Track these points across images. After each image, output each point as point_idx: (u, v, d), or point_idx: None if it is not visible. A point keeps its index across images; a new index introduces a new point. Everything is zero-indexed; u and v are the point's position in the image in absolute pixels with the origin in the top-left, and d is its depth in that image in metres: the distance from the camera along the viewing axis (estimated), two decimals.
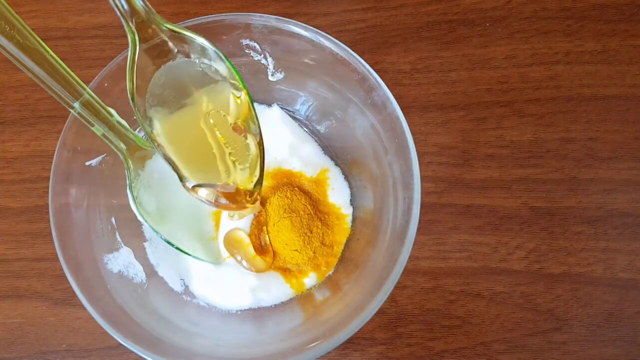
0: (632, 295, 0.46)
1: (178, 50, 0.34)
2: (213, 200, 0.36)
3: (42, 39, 0.30)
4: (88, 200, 0.40)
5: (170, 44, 0.34)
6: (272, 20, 0.40)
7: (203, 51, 0.34)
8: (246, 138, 0.36)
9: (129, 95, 0.33)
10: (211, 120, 0.35)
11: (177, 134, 0.36)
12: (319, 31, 0.40)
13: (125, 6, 0.31)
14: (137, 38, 0.32)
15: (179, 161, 0.35)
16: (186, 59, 0.35)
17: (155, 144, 0.35)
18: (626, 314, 0.46)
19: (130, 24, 0.32)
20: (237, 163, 0.36)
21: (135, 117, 0.34)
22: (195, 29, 0.35)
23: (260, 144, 0.36)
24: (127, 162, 0.38)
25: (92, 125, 0.35)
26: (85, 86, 0.33)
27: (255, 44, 0.43)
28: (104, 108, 0.35)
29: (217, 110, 0.35)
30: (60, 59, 0.31)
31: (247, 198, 0.37)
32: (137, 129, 0.44)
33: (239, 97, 0.35)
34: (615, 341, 0.45)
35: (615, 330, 0.45)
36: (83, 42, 0.54)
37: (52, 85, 0.31)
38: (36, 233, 0.49)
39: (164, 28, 0.33)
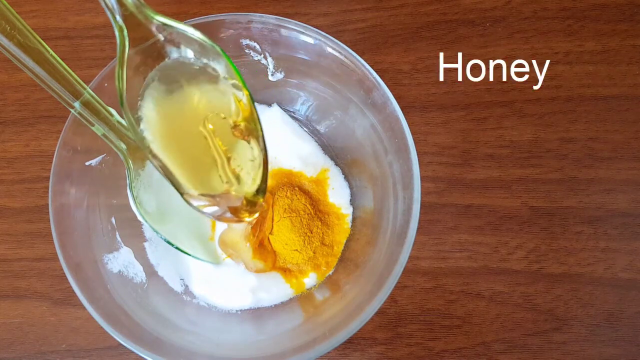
0: (632, 295, 0.46)
1: (173, 47, 0.31)
2: (212, 213, 0.34)
3: (42, 39, 0.30)
4: (88, 200, 0.40)
5: (163, 40, 0.30)
6: (272, 20, 0.40)
7: (200, 47, 0.31)
8: (248, 142, 0.33)
9: (118, 97, 0.30)
10: (210, 126, 0.32)
11: (173, 140, 0.32)
12: (319, 31, 0.40)
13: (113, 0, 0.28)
14: (125, 34, 0.29)
15: (174, 169, 0.32)
16: (182, 57, 0.31)
17: (147, 150, 0.31)
18: (626, 314, 0.46)
19: (118, 18, 0.28)
20: (238, 170, 0.33)
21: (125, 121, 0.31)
22: (195, 29, 0.34)
23: (263, 148, 0.33)
24: (128, 162, 0.38)
25: (93, 125, 0.35)
26: (85, 86, 0.33)
27: (255, 44, 0.43)
28: (104, 108, 0.35)
29: (216, 113, 0.32)
30: (61, 58, 0.31)
31: (247, 208, 0.34)
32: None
33: (240, 99, 0.32)
34: (615, 341, 0.45)
35: (615, 330, 0.45)
36: (83, 42, 0.54)
37: (53, 84, 0.31)
38: (36, 233, 0.49)
39: (156, 22, 0.30)
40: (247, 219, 0.34)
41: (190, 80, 0.32)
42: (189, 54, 0.31)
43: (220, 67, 0.31)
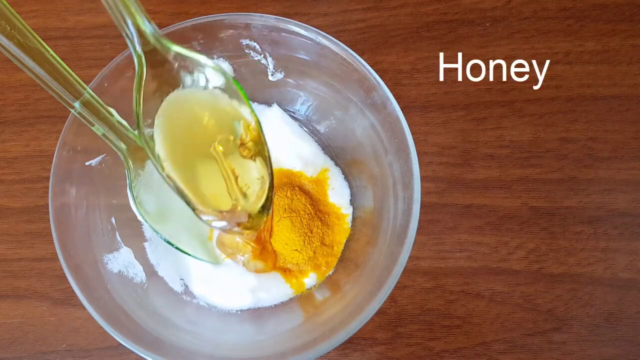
0: (632, 295, 0.46)
1: (187, 74, 0.33)
2: (221, 227, 0.36)
3: (42, 39, 0.30)
4: (88, 200, 0.40)
5: (178, 67, 0.32)
6: (272, 20, 0.40)
7: (212, 74, 0.33)
8: (254, 161, 0.35)
9: (135, 119, 0.32)
10: (220, 148, 0.34)
11: (184, 160, 0.35)
12: (319, 31, 0.40)
13: (133, 30, 0.29)
14: (144, 62, 0.31)
15: (185, 187, 0.34)
16: (195, 83, 0.33)
17: (160, 169, 0.33)
18: (626, 314, 0.46)
19: (137, 48, 0.30)
20: (244, 188, 0.35)
21: (141, 141, 0.33)
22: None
23: (269, 168, 0.35)
24: (128, 162, 0.38)
25: (93, 125, 0.35)
26: (85, 86, 0.33)
27: (255, 44, 0.43)
28: (104, 108, 0.35)
29: (226, 136, 0.34)
30: (61, 58, 0.31)
31: (252, 223, 0.36)
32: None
33: (248, 123, 0.34)
34: (615, 341, 0.45)
35: (615, 330, 0.45)
36: (83, 42, 0.54)
37: (53, 84, 0.31)
38: (36, 233, 0.49)
39: (172, 51, 0.31)
40: (252, 234, 0.37)
41: (202, 105, 0.34)
42: (202, 81, 0.33)
43: (231, 93, 0.33)
